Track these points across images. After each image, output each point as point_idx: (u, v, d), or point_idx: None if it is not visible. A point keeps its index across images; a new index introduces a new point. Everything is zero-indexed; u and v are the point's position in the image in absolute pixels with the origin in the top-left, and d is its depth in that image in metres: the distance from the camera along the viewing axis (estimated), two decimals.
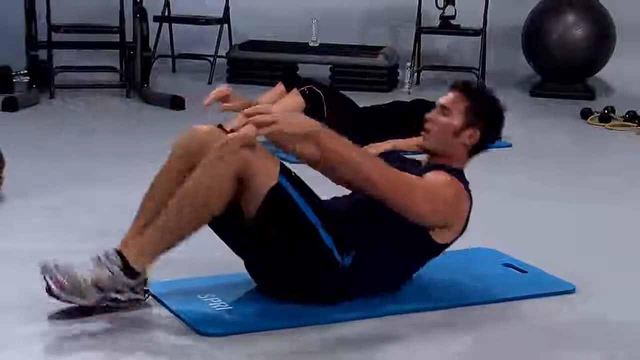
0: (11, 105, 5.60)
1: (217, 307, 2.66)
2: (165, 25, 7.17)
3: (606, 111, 5.80)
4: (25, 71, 6.13)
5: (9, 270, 2.97)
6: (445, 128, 2.79)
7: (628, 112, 5.75)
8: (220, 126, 2.71)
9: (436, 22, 6.91)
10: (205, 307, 2.65)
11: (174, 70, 7.28)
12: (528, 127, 5.58)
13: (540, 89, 6.72)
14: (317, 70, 6.61)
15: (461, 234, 2.79)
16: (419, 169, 2.80)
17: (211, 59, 6.94)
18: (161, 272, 2.66)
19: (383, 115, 4.97)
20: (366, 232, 2.67)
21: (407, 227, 2.66)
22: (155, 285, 2.66)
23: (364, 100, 5.17)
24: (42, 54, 6.10)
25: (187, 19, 7.04)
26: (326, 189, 2.72)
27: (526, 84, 6.91)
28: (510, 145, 5.07)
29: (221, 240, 2.71)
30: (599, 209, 3.92)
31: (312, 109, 4.77)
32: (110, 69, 6.38)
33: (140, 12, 6.20)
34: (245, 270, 2.82)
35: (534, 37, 6.64)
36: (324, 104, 4.76)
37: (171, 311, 2.62)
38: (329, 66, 6.75)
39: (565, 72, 6.60)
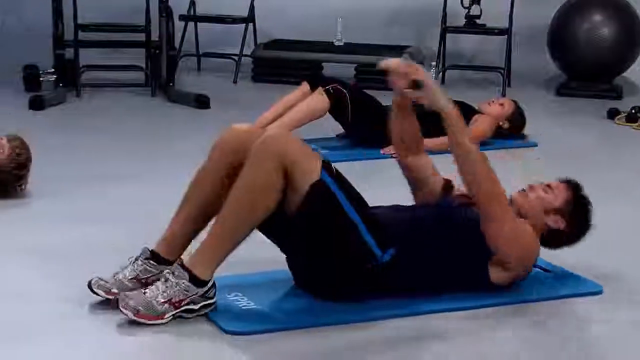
0: (38, 104, 5.64)
1: (244, 306, 2.67)
2: (191, 24, 7.20)
3: (633, 111, 5.76)
4: (52, 70, 6.16)
5: (34, 263, 2.99)
6: (544, 201, 2.91)
7: None
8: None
9: (461, 22, 6.89)
10: (231, 306, 2.66)
11: (199, 69, 7.30)
12: (554, 127, 5.55)
13: (566, 88, 6.68)
14: (341, 69, 6.61)
15: (509, 286, 2.80)
16: None
17: (236, 58, 6.95)
18: None
19: None
20: (421, 245, 2.72)
21: (467, 249, 2.73)
22: None
23: (388, 99, 5.15)
24: (69, 53, 6.13)
25: (213, 18, 7.06)
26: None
27: (552, 84, 6.87)
28: (536, 145, 5.05)
29: (246, 240, 2.72)
30: (625, 209, 3.89)
31: (336, 108, 4.77)
32: (136, 67, 6.40)
33: (166, 11, 6.22)
34: (271, 269, 2.83)
35: (560, 36, 6.60)
36: (349, 103, 4.76)
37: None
38: (354, 65, 6.74)
39: (592, 72, 6.56)
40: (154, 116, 5.73)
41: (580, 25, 6.49)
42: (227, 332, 2.52)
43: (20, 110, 5.57)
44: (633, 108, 5.79)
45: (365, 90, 5.12)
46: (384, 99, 5.07)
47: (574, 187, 2.97)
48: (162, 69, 6.25)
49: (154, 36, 6.28)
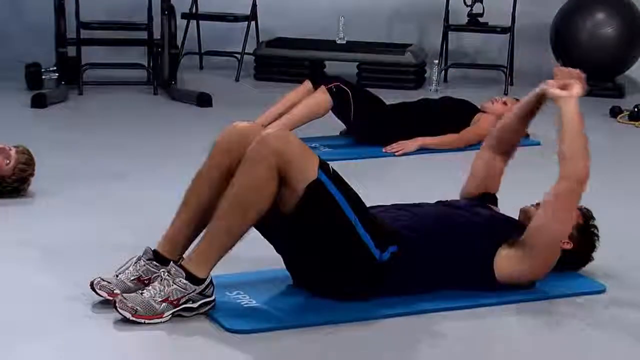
0: (40, 102, 5.64)
1: (245, 304, 2.67)
2: (193, 22, 7.19)
3: (636, 109, 5.75)
4: (54, 68, 6.16)
5: (35, 262, 2.99)
6: None
7: None
8: None
9: (464, 20, 6.88)
10: (233, 304, 2.66)
11: (201, 67, 7.30)
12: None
13: None
14: (344, 67, 6.60)
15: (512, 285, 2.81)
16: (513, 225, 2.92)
17: (238, 56, 6.94)
18: None
19: (410, 113, 4.95)
20: (421, 243, 2.73)
21: (469, 248, 2.75)
22: None
23: (391, 98, 5.16)
24: (71, 51, 6.13)
25: (215, 16, 7.05)
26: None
27: None
28: (539, 143, 5.04)
29: (247, 238, 2.72)
30: (628, 207, 3.88)
31: (339, 106, 4.77)
32: (138, 65, 6.40)
33: (168, 9, 6.21)
34: (272, 267, 2.83)
35: (563, 34, 6.59)
36: (351, 101, 4.76)
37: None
38: (356, 64, 6.73)
39: (595, 70, 6.52)
40: (156, 114, 5.72)
41: (583, 23, 6.48)
42: (228, 330, 2.51)
43: (22, 108, 5.57)
44: (636, 106, 5.78)
45: (367, 89, 5.12)
46: (387, 97, 5.09)
47: (585, 214, 3.00)
48: (164, 67, 6.24)
49: (156, 34, 6.27)
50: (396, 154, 4.66)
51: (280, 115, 4.70)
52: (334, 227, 2.63)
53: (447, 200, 3.03)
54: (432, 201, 3.03)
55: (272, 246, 2.77)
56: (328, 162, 2.66)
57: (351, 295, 2.70)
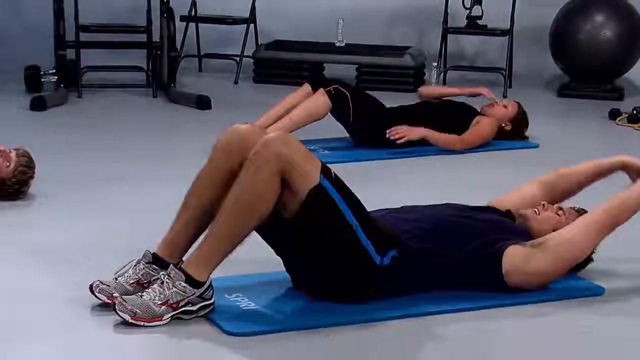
0: (39, 105, 5.64)
1: (244, 307, 2.67)
2: (192, 25, 7.19)
3: (635, 112, 5.75)
4: (54, 70, 6.16)
5: (35, 264, 3.00)
6: (554, 222, 2.99)
7: None
8: None
9: (463, 22, 6.88)
10: (232, 307, 2.66)
11: (200, 70, 7.30)
12: (555, 128, 5.54)
13: (567, 89, 6.68)
14: (343, 70, 6.60)
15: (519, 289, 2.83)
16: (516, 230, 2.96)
17: (237, 58, 6.95)
18: None
19: (409, 116, 4.95)
20: (423, 247, 2.73)
21: (481, 247, 2.76)
22: None
23: (390, 100, 5.16)
24: (70, 54, 6.13)
25: (214, 19, 7.05)
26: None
27: (554, 85, 6.86)
28: (537, 146, 5.04)
29: (247, 241, 2.72)
30: None
31: (338, 109, 4.77)
32: (137, 68, 6.40)
33: (167, 12, 6.21)
34: (272, 270, 2.83)
35: (562, 37, 6.60)
36: (350, 103, 4.76)
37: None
38: (355, 66, 6.74)
39: (594, 73, 6.55)
40: (155, 117, 5.72)
41: (582, 26, 6.49)
42: (227, 332, 2.51)
43: (21, 111, 5.57)
44: (635, 109, 5.78)
45: (366, 91, 5.12)
46: (386, 100, 5.09)
47: (580, 213, 3.02)
48: (163, 70, 6.25)
49: (155, 37, 6.28)
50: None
51: (279, 117, 4.70)
52: (335, 232, 2.62)
53: (452, 203, 3.04)
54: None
55: (271, 249, 2.77)
56: (329, 166, 2.66)
57: (351, 299, 2.70)
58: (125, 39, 6.48)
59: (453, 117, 4.97)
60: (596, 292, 2.90)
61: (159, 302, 2.52)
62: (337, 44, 6.92)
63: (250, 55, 6.91)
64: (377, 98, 5.00)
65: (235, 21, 7.01)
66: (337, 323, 2.60)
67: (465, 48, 7.33)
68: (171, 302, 2.53)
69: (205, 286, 2.57)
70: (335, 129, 4.91)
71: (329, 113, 4.76)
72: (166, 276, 2.55)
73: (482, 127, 4.91)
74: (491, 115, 4.99)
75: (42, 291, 2.79)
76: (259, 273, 2.90)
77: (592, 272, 3.02)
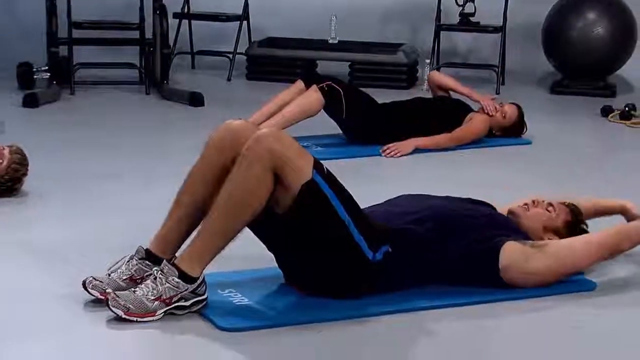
0: (32, 101, 5.63)
1: (237, 302, 2.67)
2: (185, 22, 7.18)
3: (627, 109, 5.77)
4: (46, 67, 6.15)
5: (29, 262, 3.00)
6: (544, 218, 3.02)
7: None
8: None
9: (456, 19, 6.89)
10: (225, 302, 2.66)
11: (193, 67, 7.30)
12: (548, 125, 5.55)
13: (560, 86, 6.69)
14: (336, 67, 6.61)
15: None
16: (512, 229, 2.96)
17: (230, 55, 6.94)
18: None
19: (402, 112, 4.96)
20: (416, 242, 2.74)
21: (480, 253, 2.77)
22: None
23: (383, 97, 5.16)
24: (63, 51, 6.12)
25: (207, 16, 7.05)
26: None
27: (546, 82, 6.87)
28: (530, 143, 5.05)
29: (240, 237, 2.72)
30: None
31: (331, 105, 4.77)
32: (130, 65, 6.40)
33: (160, 9, 6.21)
34: (265, 266, 2.83)
35: (555, 34, 6.61)
36: (343, 100, 4.76)
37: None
38: (348, 63, 6.74)
39: (586, 70, 6.57)
40: (148, 114, 5.72)
41: (575, 23, 6.50)
42: (220, 328, 2.52)
43: (14, 108, 5.56)
44: (626, 106, 5.80)
45: (360, 88, 5.12)
46: (379, 97, 5.09)
47: (574, 212, 3.05)
48: (156, 67, 6.24)
49: (148, 34, 6.27)
50: (394, 157, 4.66)
51: (272, 114, 4.70)
52: (327, 227, 2.63)
53: (452, 196, 3.06)
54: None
55: (264, 245, 2.77)
56: (322, 162, 2.66)
57: (344, 294, 2.70)
58: (117, 35, 6.47)
59: (446, 113, 4.97)
60: (588, 287, 2.92)
61: (152, 298, 2.53)
62: (330, 41, 6.92)
63: (243, 52, 6.91)
64: (370, 95, 5.00)
65: (228, 18, 7.01)
66: (330, 318, 2.60)
67: (458, 45, 7.34)
68: (164, 297, 2.53)
69: (198, 282, 2.57)
70: (328, 126, 4.91)
71: (321, 110, 4.77)
72: (159, 272, 2.56)
73: (474, 123, 4.92)
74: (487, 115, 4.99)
75: (36, 288, 2.79)
76: (251, 269, 2.90)
77: None
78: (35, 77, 6.15)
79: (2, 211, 3.57)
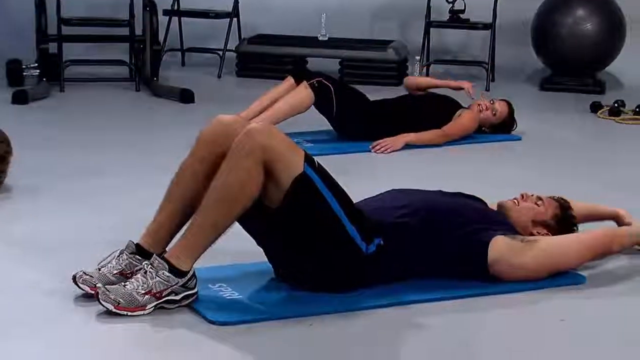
0: (21, 98, 5.62)
1: (228, 296, 2.67)
2: (175, 18, 7.18)
3: (616, 105, 5.79)
4: (36, 64, 6.14)
5: (18, 257, 2.99)
6: (534, 212, 3.04)
7: (638, 106, 5.73)
8: None
9: (445, 16, 6.90)
10: (215, 297, 2.66)
11: (183, 64, 7.29)
12: (538, 121, 5.57)
13: (549, 83, 6.70)
14: (326, 64, 6.61)
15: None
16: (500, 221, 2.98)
17: (220, 52, 6.94)
18: None
19: (392, 108, 4.97)
20: (408, 234, 2.75)
21: (470, 246, 2.79)
22: None
23: (373, 94, 5.17)
24: (52, 47, 6.11)
25: (197, 13, 7.04)
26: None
27: (536, 78, 6.89)
28: (519, 139, 5.07)
29: (230, 231, 2.72)
30: (609, 202, 3.90)
31: (321, 102, 4.78)
32: (120, 62, 6.39)
33: (150, 6, 6.20)
34: (255, 260, 2.83)
35: (544, 31, 6.62)
36: (333, 96, 4.77)
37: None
38: (338, 60, 6.74)
39: (575, 66, 6.58)
40: (138, 111, 5.71)
41: (564, 19, 6.52)
42: (211, 322, 2.52)
43: (3, 105, 5.54)
44: (616, 102, 5.82)
45: (350, 85, 5.13)
46: (369, 93, 5.10)
47: (563, 206, 3.07)
48: (146, 64, 6.23)
49: (138, 31, 6.26)
50: (385, 152, 4.67)
51: (263, 111, 4.70)
52: (320, 220, 2.63)
53: (444, 191, 3.07)
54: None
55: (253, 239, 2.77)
56: (314, 157, 2.66)
57: (337, 287, 2.71)
58: (107, 32, 6.46)
59: (436, 109, 4.98)
60: (577, 280, 2.93)
61: (142, 292, 2.53)
62: (321, 38, 6.92)
63: (234, 49, 6.91)
64: (360, 91, 5.01)
65: (218, 15, 7.00)
66: (321, 312, 2.60)
67: (448, 42, 7.35)
68: (154, 291, 2.53)
69: (189, 275, 2.57)
70: (319, 122, 4.92)
71: (312, 106, 4.77)
72: (149, 265, 2.56)
73: (463, 119, 4.93)
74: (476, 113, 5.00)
75: (25, 283, 2.79)
76: (242, 263, 2.90)
77: None
78: (24, 74, 6.14)
79: None
